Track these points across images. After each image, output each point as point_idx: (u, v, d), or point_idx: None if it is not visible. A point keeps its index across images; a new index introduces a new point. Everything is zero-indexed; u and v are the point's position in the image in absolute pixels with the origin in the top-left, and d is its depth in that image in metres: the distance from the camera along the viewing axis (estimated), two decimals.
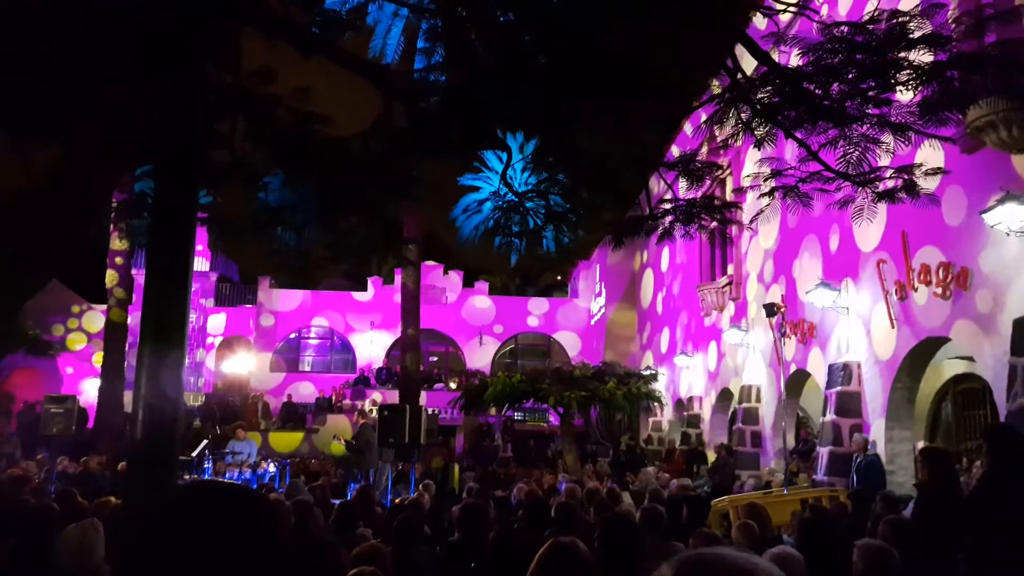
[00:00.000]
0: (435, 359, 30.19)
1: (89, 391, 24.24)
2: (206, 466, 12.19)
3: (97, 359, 25.04)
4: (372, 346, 29.22)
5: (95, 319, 27.25)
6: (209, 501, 1.13)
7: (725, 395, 18.35)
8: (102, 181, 4.24)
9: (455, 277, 30.40)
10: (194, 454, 11.11)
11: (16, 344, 23.22)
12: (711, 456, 17.06)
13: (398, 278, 25.43)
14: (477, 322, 30.09)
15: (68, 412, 12.11)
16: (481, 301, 30.40)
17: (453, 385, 26.80)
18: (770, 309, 13.73)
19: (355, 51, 7.13)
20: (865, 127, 5.47)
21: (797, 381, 14.80)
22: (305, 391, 27.71)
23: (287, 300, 29.51)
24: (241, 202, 8.88)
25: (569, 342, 30.09)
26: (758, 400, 16.12)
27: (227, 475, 12.19)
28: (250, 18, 5.45)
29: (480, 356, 29.77)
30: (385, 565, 4.07)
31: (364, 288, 29.95)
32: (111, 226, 20.56)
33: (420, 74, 7.03)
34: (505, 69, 6.03)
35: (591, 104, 6.20)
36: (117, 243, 21.28)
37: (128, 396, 22.83)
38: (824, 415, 12.73)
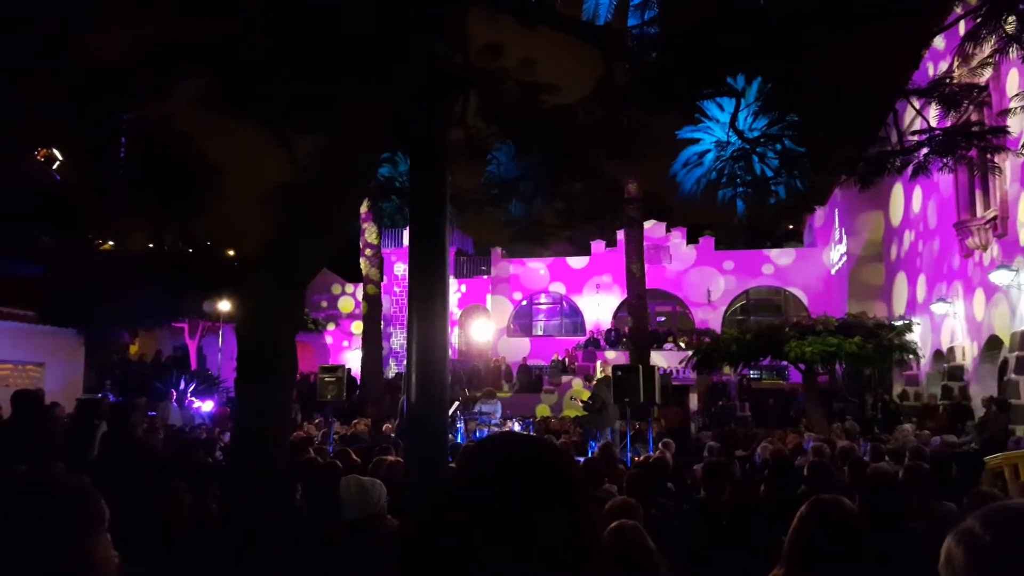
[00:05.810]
0: (662, 319, 29.89)
1: (348, 360, 27.04)
2: (458, 426, 13.07)
3: (356, 327, 28.15)
4: (599, 309, 29.61)
5: (352, 296, 30.62)
6: (521, 452, 1.21)
7: (992, 343, 16.49)
8: (363, 167, 4.66)
9: (678, 235, 29.77)
10: (448, 414, 11.99)
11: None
12: (977, 411, 15.48)
13: (620, 240, 25.41)
14: (704, 279, 29.32)
15: (339, 380, 13.46)
16: (707, 257, 29.56)
17: (683, 344, 26.45)
18: None
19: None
20: None
21: None
22: (540, 354, 28.76)
23: (518, 268, 30.66)
24: (471, 177, 9.34)
25: (805, 295, 28.44)
26: None
27: (477, 434, 13.04)
28: None
29: (709, 313, 29.05)
30: (639, 518, 4.14)
31: (588, 252, 30.29)
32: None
33: (638, 30, 6.92)
34: (726, 12, 5.78)
35: (820, 35, 5.78)
36: (368, 235, 23.79)
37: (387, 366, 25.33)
38: None
